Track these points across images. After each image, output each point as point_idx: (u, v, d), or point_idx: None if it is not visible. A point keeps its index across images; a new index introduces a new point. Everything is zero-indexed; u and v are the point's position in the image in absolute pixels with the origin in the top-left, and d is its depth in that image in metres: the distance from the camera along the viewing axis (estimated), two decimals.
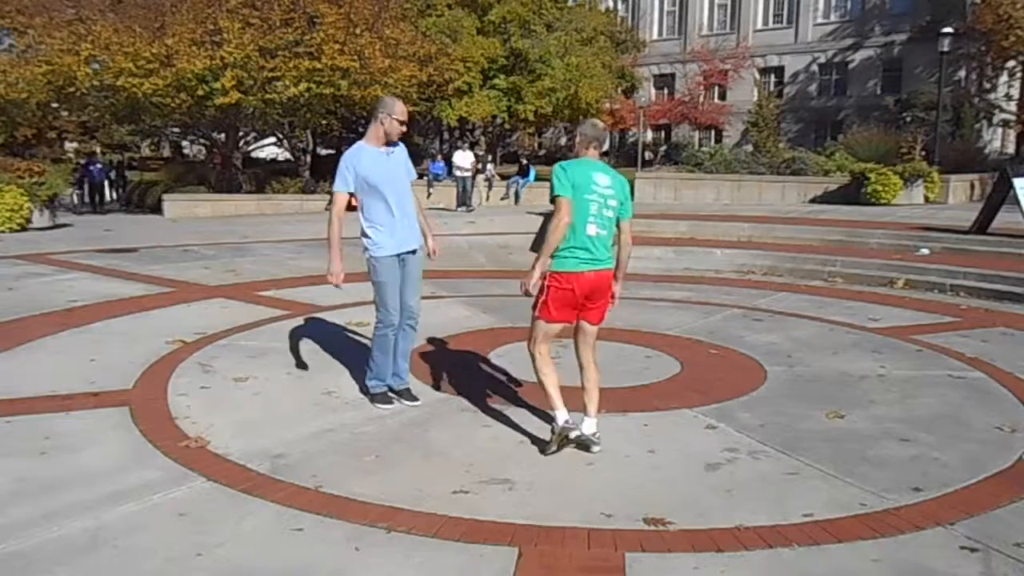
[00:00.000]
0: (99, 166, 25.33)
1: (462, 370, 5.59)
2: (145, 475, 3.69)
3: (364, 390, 4.94)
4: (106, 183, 26.32)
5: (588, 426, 4.05)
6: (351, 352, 5.91)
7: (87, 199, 24.44)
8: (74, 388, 4.95)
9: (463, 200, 19.87)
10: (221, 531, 3.16)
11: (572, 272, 3.87)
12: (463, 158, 20.41)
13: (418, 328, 4.93)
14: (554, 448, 4.02)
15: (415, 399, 4.85)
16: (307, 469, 3.80)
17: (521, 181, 23.32)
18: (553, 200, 3.85)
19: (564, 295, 3.89)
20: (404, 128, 4.65)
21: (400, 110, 4.61)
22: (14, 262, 9.99)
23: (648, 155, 33.24)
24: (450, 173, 26.36)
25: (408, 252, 4.69)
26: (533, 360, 4.09)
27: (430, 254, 4.88)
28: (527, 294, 3.92)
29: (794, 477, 3.81)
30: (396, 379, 4.89)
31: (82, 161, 27.76)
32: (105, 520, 3.23)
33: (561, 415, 4.01)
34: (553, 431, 4.04)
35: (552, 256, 3.86)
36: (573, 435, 3.99)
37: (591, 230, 3.86)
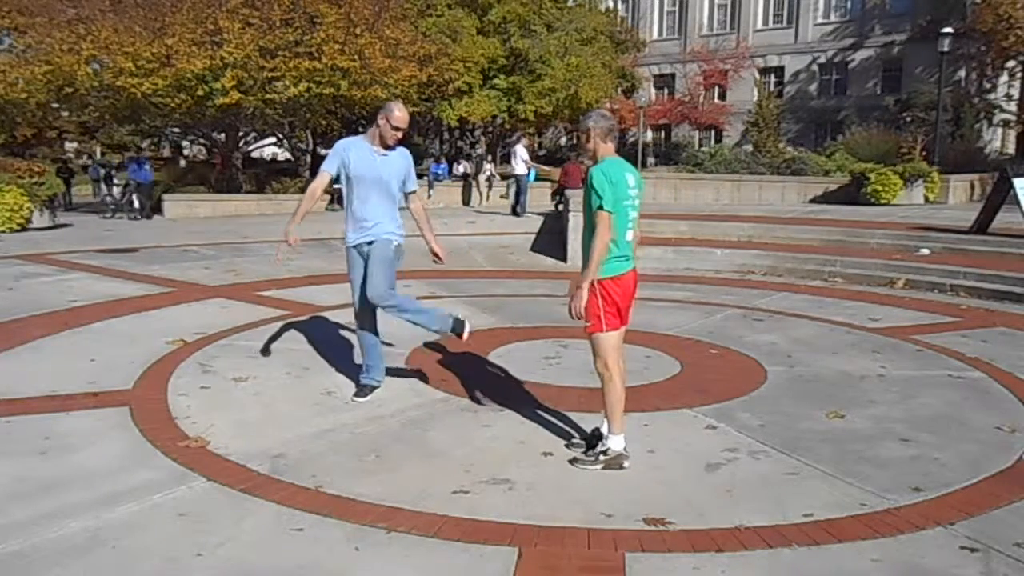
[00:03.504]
0: (147, 166, 20.31)
1: (462, 370, 5.59)
2: (145, 475, 3.69)
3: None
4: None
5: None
6: (351, 352, 5.91)
7: (132, 204, 19.12)
8: (74, 388, 4.95)
9: (522, 203, 17.72)
10: (221, 531, 3.16)
11: (623, 275, 3.82)
12: (524, 153, 18.29)
13: (391, 312, 4.64)
14: (599, 468, 3.86)
15: (360, 396, 4.86)
16: (307, 469, 3.80)
17: None
18: (595, 209, 3.66)
19: (616, 300, 3.81)
20: (398, 134, 4.61)
21: (397, 115, 4.58)
22: (14, 262, 9.99)
23: (651, 160, 33.16)
24: (446, 172, 26.38)
25: (366, 242, 4.68)
26: (610, 380, 3.81)
27: (434, 258, 4.86)
28: (579, 318, 3.73)
29: (794, 477, 3.81)
30: (364, 372, 4.98)
31: (129, 158, 22.55)
32: (105, 520, 3.23)
33: (621, 441, 3.87)
34: (606, 452, 3.86)
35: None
36: (627, 463, 3.86)
37: (629, 235, 3.83)
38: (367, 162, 4.64)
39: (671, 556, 3.03)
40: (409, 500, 3.46)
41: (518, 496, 3.56)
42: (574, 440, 4.20)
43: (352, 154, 4.65)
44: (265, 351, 5.88)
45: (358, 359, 5.60)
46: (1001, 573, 2.92)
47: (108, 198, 20.66)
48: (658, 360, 5.96)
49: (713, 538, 3.16)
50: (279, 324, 6.89)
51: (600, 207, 3.66)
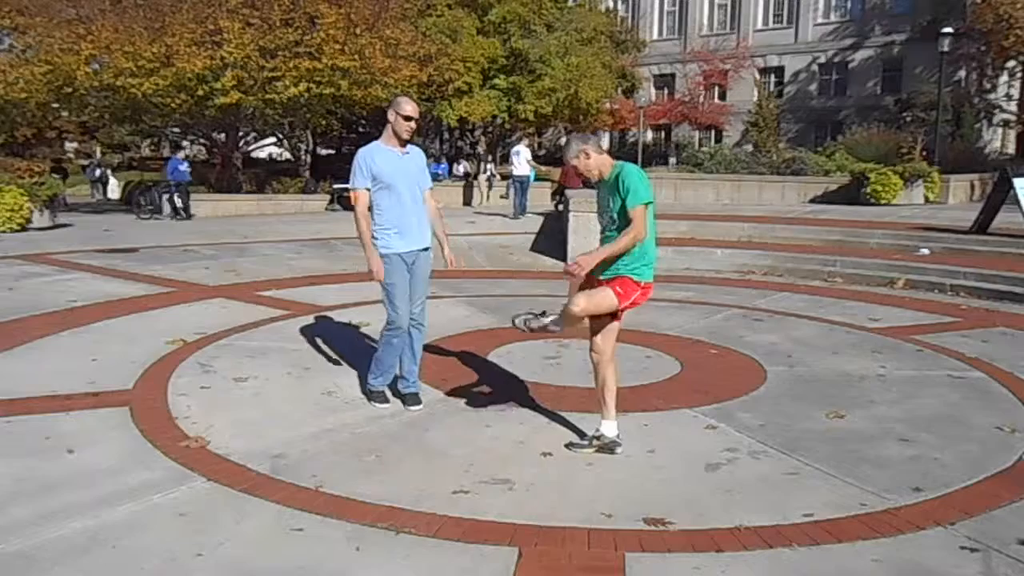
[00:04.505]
0: (186, 166, 18.93)
1: (462, 370, 5.59)
2: (145, 475, 3.69)
3: (364, 389, 4.94)
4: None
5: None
6: (351, 352, 5.91)
7: (175, 205, 18.10)
8: (74, 388, 4.95)
9: (522, 203, 17.52)
10: (221, 531, 3.16)
11: (649, 283, 3.90)
12: (527, 153, 18.13)
13: (425, 329, 4.88)
14: (591, 451, 4.02)
15: (419, 403, 4.77)
16: (307, 469, 3.80)
17: None
18: (639, 204, 3.69)
19: (632, 299, 3.87)
20: (412, 124, 4.58)
21: (405, 106, 4.56)
22: (14, 262, 9.98)
23: (672, 161, 33.09)
24: (446, 172, 26.40)
25: (417, 250, 4.66)
26: (606, 369, 3.98)
27: (447, 263, 4.84)
28: (575, 275, 3.80)
29: (794, 477, 3.81)
30: (403, 382, 4.86)
31: (169, 156, 21.01)
32: (105, 520, 3.23)
33: (614, 428, 4.02)
34: (599, 438, 4.02)
35: (636, 266, 3.81)
36: (619, 450, 4.01)
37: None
38: (395, 163, 4.58)
39: (671, 556, 3.02)
40: (409, 500, 3.46)
41: (518, 496, 3.56)
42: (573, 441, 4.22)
43: (378, 159, 4.55)
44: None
45: (358, 359, 5.61)
46: (1001, 573, 2.92)
47: (141, 199, 19.65)
48: (658, 360, 5.96)
49: (713, 538, 3.16)
50: (279, 324, 6.89)
51: (642, 202, 3.70)
